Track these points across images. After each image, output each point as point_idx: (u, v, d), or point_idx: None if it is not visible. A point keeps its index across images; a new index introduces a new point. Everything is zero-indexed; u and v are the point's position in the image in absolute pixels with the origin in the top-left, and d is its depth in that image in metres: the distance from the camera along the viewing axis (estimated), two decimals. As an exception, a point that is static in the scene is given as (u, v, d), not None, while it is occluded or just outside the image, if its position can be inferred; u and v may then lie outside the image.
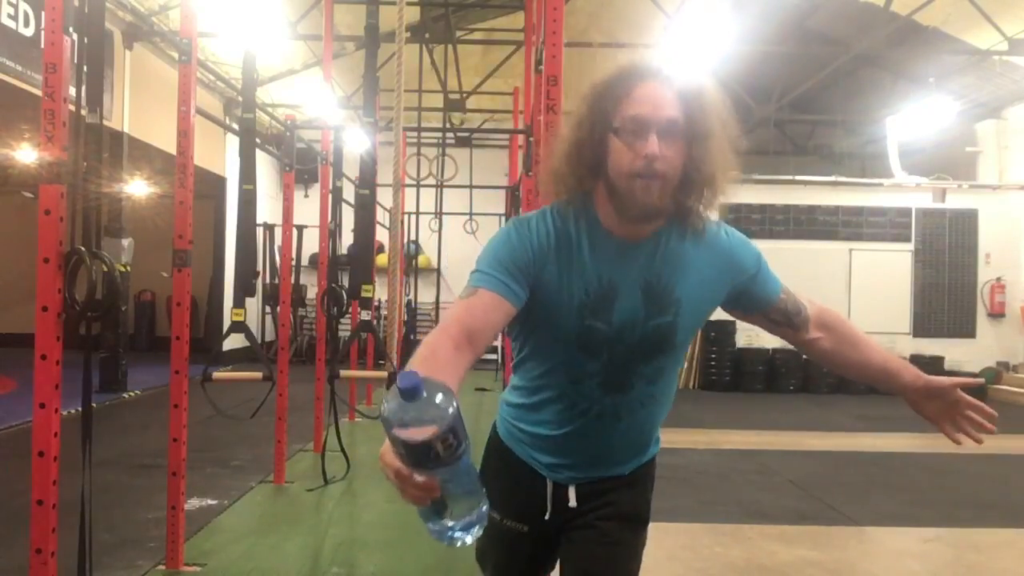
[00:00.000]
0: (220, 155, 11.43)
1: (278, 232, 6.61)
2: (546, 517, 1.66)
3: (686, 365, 11.18)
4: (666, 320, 1.52)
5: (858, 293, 11.37)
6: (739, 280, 1.55)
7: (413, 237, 10.32)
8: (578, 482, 1.64)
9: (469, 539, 1.04)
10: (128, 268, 8.43)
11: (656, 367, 1.58)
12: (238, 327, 3.80)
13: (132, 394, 8.62)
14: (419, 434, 0.92)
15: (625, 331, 1.50)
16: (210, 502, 4.49)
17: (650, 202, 1.40)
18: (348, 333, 4.63)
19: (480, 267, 1.45)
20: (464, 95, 11.39)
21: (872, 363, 1.60)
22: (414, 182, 8.75)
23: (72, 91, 2.39)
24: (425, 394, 0.93)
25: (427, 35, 9.20)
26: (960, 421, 1.53)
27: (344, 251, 6.25)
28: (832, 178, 11.89)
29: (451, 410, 0.95)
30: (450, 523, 1.02)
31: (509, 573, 1.80)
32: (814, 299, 1.64)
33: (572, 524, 1.66)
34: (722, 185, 1.45)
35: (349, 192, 5.30)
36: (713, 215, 1.52)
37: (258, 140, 5.75)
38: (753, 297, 1.58)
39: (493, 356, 13.65)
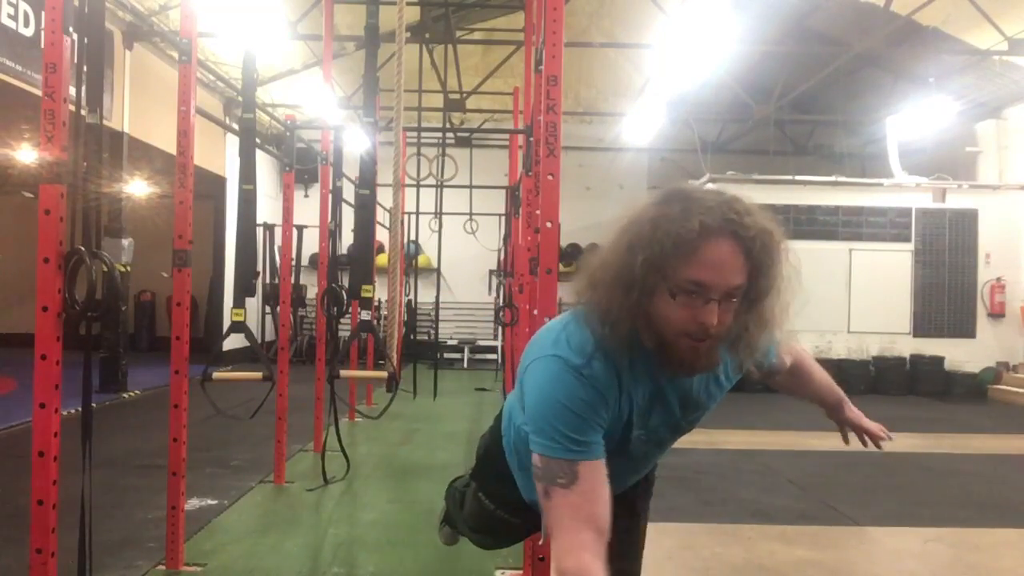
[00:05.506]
0: (220, 155, 11.43)
1: (278, 232, 6.60)
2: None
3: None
4: (697, 415, 1.59)
5: (858, 293, 11.36)
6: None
7: (413, 237, 10.32)
8: None
9: None
10: (128, 268, 8.43)
11: (671, 446, 1.67)
12: (238, 327, 3.80)
13: (132, 394, 8.61)
14: None
15: (658, 431, 1.54)
16: (210, 502, 4.49)
17: (695, 363, 1.36)
18: (348, 333, 4.63)
19: (564, 430, 1.32)
20: (464, 95, 11.40)
21: (805, 394, 2.04)
22: (414, 182, 8.75)
23: (72, 91, 2.39)
24: None
25: (427, 35, 9.21)
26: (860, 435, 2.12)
27: (344, 251, 6.25)
28: (832, 178, 11.88)
29: None
30: None
31: (505, 544, 2.05)
32: (796, 347, 1.79)
33: None
34: (772, 338, 1.42)
35: (349, 192, 5.30)
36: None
37: (258, 140, 5.75)
38: None
39: (493, 356, 13.68)
